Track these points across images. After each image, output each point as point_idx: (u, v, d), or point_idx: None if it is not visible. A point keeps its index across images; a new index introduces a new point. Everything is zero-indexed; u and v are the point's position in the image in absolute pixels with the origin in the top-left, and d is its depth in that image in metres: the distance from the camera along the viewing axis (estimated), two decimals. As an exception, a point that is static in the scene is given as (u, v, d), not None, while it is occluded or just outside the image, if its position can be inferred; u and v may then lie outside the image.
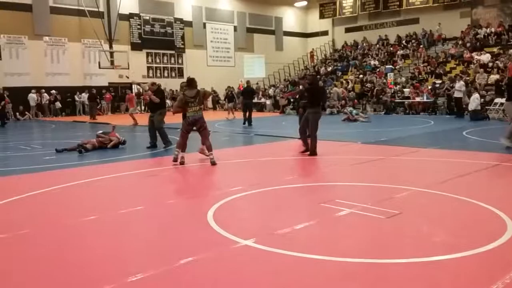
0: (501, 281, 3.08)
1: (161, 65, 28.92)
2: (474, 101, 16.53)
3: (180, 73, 29.44)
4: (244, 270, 3.54)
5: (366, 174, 7.27)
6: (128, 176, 7.52)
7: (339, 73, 28.29)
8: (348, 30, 32.89)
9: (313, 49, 33.36)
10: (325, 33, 34.16)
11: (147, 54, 28.25)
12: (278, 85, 29.65)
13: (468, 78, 20.26)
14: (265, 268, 3.53)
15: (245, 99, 17.36)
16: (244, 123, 16.84)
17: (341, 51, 32.07)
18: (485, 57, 22.17)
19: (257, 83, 29.74)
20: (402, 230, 4.38)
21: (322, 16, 33.24)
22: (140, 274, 3.35)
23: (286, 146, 10.94)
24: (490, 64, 21.37)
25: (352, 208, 5.01)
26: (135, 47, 27.55)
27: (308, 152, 8.99)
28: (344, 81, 25.56)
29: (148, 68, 28.34)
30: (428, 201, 5.42)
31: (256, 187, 6.34)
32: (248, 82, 18.85)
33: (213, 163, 8.05)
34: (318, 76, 27.81)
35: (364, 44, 30.93)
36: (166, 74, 29.01)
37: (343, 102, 22.67)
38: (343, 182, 6.65)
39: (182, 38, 29.45)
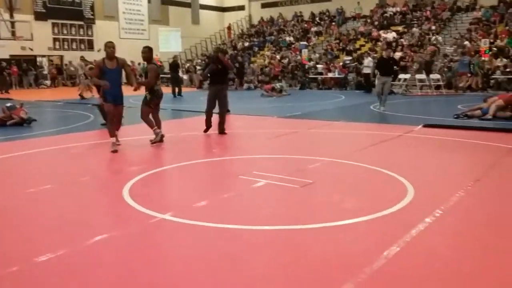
0: (402, 239, 3.38)
1: (69, 37, 27.10)
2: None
3: (90, 45, 27.83)
4: (162, 243, 3.53)
5: (281, 146, 7.49)
6: (39, 153, 7.07)
7: (256, 49, 28.49)
8: (264, 6, 33.04)
9: (230, 24, 33.16)
10: (241, 8, 34.03)
11: (53, 24, 26.30)
12: (195, 59, 29.22)
13: (376, 55, 21.39)
14: (182, 240, 3.55)
15: (173, 72, 17.92)
16: (174, 97, 17.66)
17: (258, 26, 32.23)
18: (391, 35, 23.49)
19: (173, 57, 29.04)
20: (314, 198, 4.61)
21: (238, -10, 33.00)
22: (50, 253, 3.21)
23: (202, 121, 10.88)
24: (395, 43, 22.69)
25: (268, 179, 5.15)
26: (39, 17, 25.49)
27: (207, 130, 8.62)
28: (261, 56, 25.81)
29: (55, 40, 26.45)
30: (338, 170, 5.74)
31: (174, 162, 6.29)
32: (175, 56, 20.03)
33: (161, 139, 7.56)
34: (235, 51, 27.80)
35: (280, 20, 31.33)
36: (74, 47, 27.28)
37: (261, 77, 22.94)
38: (260, 155, 6.80)
39: (92, 8, 27.76)
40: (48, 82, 25.70)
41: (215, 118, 8.53)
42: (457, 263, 3.06)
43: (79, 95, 17.10)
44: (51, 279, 2.92)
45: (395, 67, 12.86)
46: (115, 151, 6.83)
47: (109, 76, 6.76)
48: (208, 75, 8.59)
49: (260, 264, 3.08)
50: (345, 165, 5.91)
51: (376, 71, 12.69)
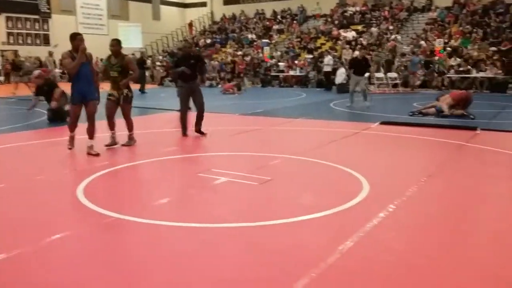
0: (356, 234, 3.46)
1: (24, 31, 26.16)
2: (340, 75, 17.82)
3: (46, 40, 26.95)
4: (116, 243, 3.47)
5: (242, 144, 7.50)
6: (-15, 152, 6.80)
7: (218, 46, 28.37)
8: (226, 3, 32.92)
9: (191, 20, 32.86)
10: (203, 4, 33.78)
11: (7, 18, 25.32)
12: (156, 56, 28.80)
13: (335, 53, 21.74)
14: (138, 239, 3.51)
15: (140, 69, 18.01)
16: (142, 93, 17.67)
17: (220, 23, 32.10)
18: (350, 34, 23.93)
19: (133, 54, 28.52)
20: (272, 195, 4.66)
21: (200, -14, 32.75)
22: (3, 254, 3.11)
23: (164, 118, 10.78)
24: (355, 42, 23.14)
25: (228, 176, 5.16)
26: (-9, 9, 24.53)
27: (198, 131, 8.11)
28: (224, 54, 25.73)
29: (8, 34, 25.47)
30: (297, 167, 5.82)
31: (132, 161, 6.20)
32: (142, 53, 20.56)
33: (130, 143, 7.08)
34: (197, 48, 27.57)
35: (242, 18, 31.32)
36: (29, 41, 26.35)
37: (222, 74, 22.88)
38: (221, 152, 6.79)
39: (48, 2, 26.88)
40: (1, 78, 24.72)
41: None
42: (409, 257, 3.16)
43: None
44: (2, 279, 2.82)
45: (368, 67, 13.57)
46: (94, 155, 6.29)
47: (82, 71, 6.28)
48: (177, 71, 7.91)
49: (217, 262, 3.08)
50: (304, 161, 5.99)
51: (350, 70, 13.19)
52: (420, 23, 23.81)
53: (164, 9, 33.35)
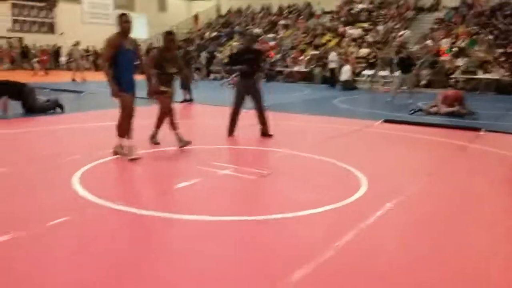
0: (352, 232, 3.42)
1: (29, 19, 26.14)
2: (345, 72, 17.74)
3: (51, 29, 26.95)
4: (113, 232, 3.45)
5: (244, 138, 7.45)
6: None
7: (223, 39, 28.28)
8: (233, -4, 32.81)
9: (197, 12, 32.76)
10: (210, -3, 33.71)
11: (13, 5, 25.29)
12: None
13: (341, 50, 21.63)
14: (129, 230, 3.48)
15: None
16: None
17: (226, 17, 31.98)
18: (357, 32, 23.79)
19: (139, 45, 28.46)
20: (269, 189, 4.63)
21: (207, -21, 32.64)
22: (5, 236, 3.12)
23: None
24: (360, 39, 23.01)
25: (227, 169, 5.13)
26: (-3, -4, 24.52)
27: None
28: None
29: (14, 21, 25.46)
30: (297, 162, 5.77)
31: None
32: (150, 44, 20.56)
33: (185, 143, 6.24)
34: (202, 41, 27.52)
35: (248, 12, 31.19)
36: (35, 29, 26.34)
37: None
38: (222, 145, 6.75)
39: (54, -10, 26.89)
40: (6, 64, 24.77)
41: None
42: (403, 257, 3.13)
43: (73, 79, 18.17)
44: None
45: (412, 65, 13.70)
46: (135, 159, 5.46)
47: (126, 58, 5.42)
48: (235, 67, 7.36)
49: (207, 255, 3.05)
50: (304, 157, 5.95)
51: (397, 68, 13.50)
52: (427, 23, 23.64)
53: (171, 0, 33.30)
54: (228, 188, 4.63)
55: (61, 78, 19.81)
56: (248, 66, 7.09)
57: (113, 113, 7.29)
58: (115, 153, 5.65)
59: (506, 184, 5.14)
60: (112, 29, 21.24)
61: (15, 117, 8.84)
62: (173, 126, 6.28)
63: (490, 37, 19.56)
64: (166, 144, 6.49)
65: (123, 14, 5.49)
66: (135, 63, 5.58)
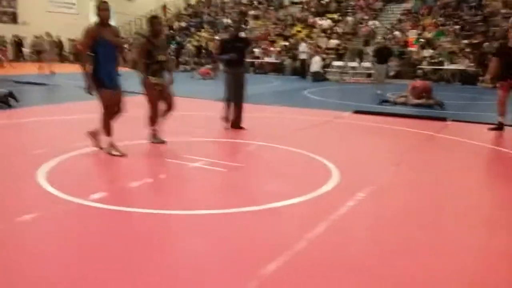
0: (324, 223, 3.43)
1: (-10, 8, 25.17)
2: (315, 63, 17.83)
3: (14, 18, 25.99)
4: (77, 230, 3.34)
5: (215, 130, 7.37)
6: None
7: (192, 30, 27.94)
8: (202, -14, 32.35)
9: (165, 2, 32.18)
10: (178, -14, 33.17)
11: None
12: (128, 38, 28.14)
13: (311, 41, 21.70)
14: (98, 226, 3.39)
15: None
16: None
17: (195, 7, 31.56)
18: (326, 23, 23.91)
19: (120, 35, 27.75)
20: (242, 181, 4.59)
21: (175, -32, 32.11)
22: None
23: (131, 101, 10.52)
24: (330, 30, 23.14)
25: (198, 162, 5.06)
26: (-45, -17, 23.45)
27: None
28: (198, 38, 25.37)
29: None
30: (267, 154, 5.75)
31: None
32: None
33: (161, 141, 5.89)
34: (171, 31, 27.10)
35: (218, 1, 30.86)
36: (-4, 19, 25.38)
37: (196, 59, 22.59)
38: (192, 138, 6.66)
39: (16, -23, 25.90)
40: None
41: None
42: (375, 247, 3.15)
43: (42, 70, 17.40)
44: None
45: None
46: (122, 155, 5.23)
47: (106, 50, 5.04)
48: (223, 58, 7.04)
49: (179, 249, 3.00)
50: (275, 148, 5.94)
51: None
52: (395, 14, 23.96)
53: (138, -11, 32.59)
54: (199, 182, 4.57)
55: (26, 70, 19.17)
56: (237, 55, 6.91)
57: (80, 106, 7.10)
58: (99, 147, 5.39)
59: (474, 172, 5.27)
60: (76, 18, 20.87)
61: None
62: (152, 121, 5.79)
63: (456, 27, 20.00)
64: (135, 138, 6.35)
65: (102, 2, 5.10)
66: (116, 54, 5.20)
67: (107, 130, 5.29)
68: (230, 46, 7.03)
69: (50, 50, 18.83)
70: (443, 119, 8.43)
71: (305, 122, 8.02)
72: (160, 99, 5.82)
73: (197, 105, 10.06)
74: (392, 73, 18.30)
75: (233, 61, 6.99)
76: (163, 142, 5.89)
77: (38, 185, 4.14)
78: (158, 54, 5.66)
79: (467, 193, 4.46)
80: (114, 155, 5.25)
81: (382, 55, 13.10)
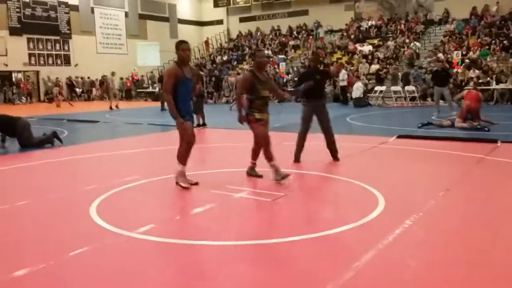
0: (372, 251, 3.36)
1: (45, 52, 26.81)
2: (357, 89, 17.73)
3: (67, 60, 27.59)
4: (127, 262, 3.44)
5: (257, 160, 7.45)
6: (12, 169, 6.91)
7: (235, 62, 28.61)
8: (242, 20, 33.29)
9: (208, 37, 33.27)
10: (220, 22, 34.24)
11: (28, 39, 26.00)
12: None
13: (352, 68, 21.67)
14: (148, 258, 3.48)
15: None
16: (162, 110, 17.58)
17: (236, 40, 32.41)
18: (367, 48, 23.87)
19: (151, 72, 28.97)
20: (285, 211, 4.59)
21: (216, 5, 33.26)
22: (27, 268, 3.15)
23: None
24: (371, 56, 23.05)
25: (241, 193, 5.12)
26: (14, 31, 25.23)
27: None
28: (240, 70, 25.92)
29: (30, 55, 26.14)
30: (311, 182, 5.75)
31: (147, 177, 6.20)
32: (161, 71, 21.09)
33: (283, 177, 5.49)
34: (214, 65, 27.85)
35: (258, 34, 31.57)
36: (50, 62, 26.99)
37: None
38: (235, 168, 6.75)
39: (68, 23, 27.56)
40: (23, 98, 25.36)
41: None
42: (424, 275, 3.05)
43: (110, 107, 19.28)
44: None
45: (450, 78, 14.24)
46: (194, 184, 5.44)
47: (186, 88, 5.26)
48: (299, 89, 6.74)
49: (228, 280, 3.03)
50: (318, 177, 5.92)
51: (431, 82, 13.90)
52: (438, 36, 23.62)
53: (182, 27, 33.90)
54: (244, 212, 4.61)
55: (84, 108, 20.38)
56: (317, 87, 6.67)
57: (128, 142, 7.37)
58: (176, 182, 5.46)
59: (528, 196, 5.02)
60: (125, 58, 21.98)
61: (13, 152, 8.90)
62: (268, 156, 5.60)
63: (505, 43, 19.42)
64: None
65: (181, 42, 5.30)
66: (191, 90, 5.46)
67: (184, 160, 5.45)
68: (309, 78, 6.72)
69: (114, 88, 20.87)
70: (494, 141, 8.12)
71: (349, 148, 7.94)
72: (267, 132, 5.70)
73: (235, 136, 10.20)
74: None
75: (312, 93, 6.72)
76: (260, 176, 5.79)
77: (91, 219, 4.31)
78: (261, 89, 5.54)
79: (523, 218, 4.25)
80: (182, 186, 5.35)
81: (440, 77, 13.03)
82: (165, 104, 5.57)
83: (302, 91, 6.63)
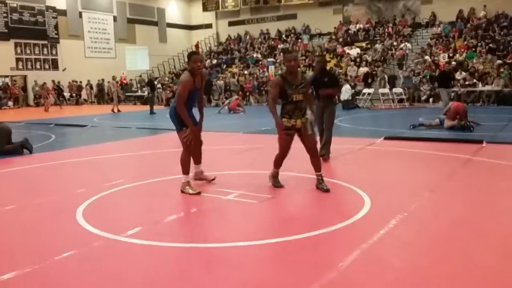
0: (356, 251, 3.40)
1: (32, 56, 26.61)
2: (345, 92, 17.83)
3: (55, 65, 27.41)
4: (114, 265, 3.44)
5: (245, 162, 7.49)
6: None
7: (224, 66, 28.64)
8: (231, 24, 33.34)
9: (198, 41, 33.27)
10: (209, 26, 34.26)
11: (16, 44, 25.80)
12: (162, 78, 29.10)
13: (340, 70, 21.80)
14: (135, 261, 3.48)
15: (151, 91, 19.39)
16: (152, 114, 17.84)
17: (225, 44, 32.45)
18: (355, 51, 24.04)
19: (140, 76, 28.88)
20: (271, 213, 4.62)
21: (205, 8, 33.27)
22: (13, 272, 3.15)
23: (167, 138, 10.82)
24: (359, 58, 23.22)
25: (228, 195, 5.13)
26: (1, 37, 25.03)
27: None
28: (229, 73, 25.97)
29: (17, 59, 25.94)
30: (297, 184, 5.76)
31: (136, 180, 6.19)
32: (150, 75, 21.43)
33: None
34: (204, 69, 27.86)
35: (247, 38, 31.65)
36: (38, 66, 26.80)
37: (227, 94, 23.03)
38: (223, 171, 6.76)
39: (56, 27, 27.39)
40: (11, 103, 25.14)
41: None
42: (409, 276, 3.09)
43: (112, 110, 19.68)
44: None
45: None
46: (198, 193, 5.28)
47: (193, 96, 5.41)
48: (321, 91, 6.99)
49: (214, 282, 3.04)
50: (305, 178, 5.94)
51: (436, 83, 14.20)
52: (425, 39, 23.86)
53: (171, 31, 33.87)
54: (230, 214, 4.63)
55: (73, 112, 20.31)
56: (325, 88, 7.03)
57: (117, 146, 7.35)
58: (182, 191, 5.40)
59: None
60: (113, 62, 21.94)
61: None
62: (277, 165, 5.48)
63: (491, 46, 19.68)
64: (166, 174, 6.51)
65: (193, 53, 5.37)
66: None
67: (187, 167, 5.46)
68: (321, 80, 7.07)
69: (115, 91, 21.26)
70: (479, 141, 8.23)
71: (336, 150, 7.98)
72: (290, 144, 5.49)
73: (224, 138, 10.22)
74: (424, 97, 18.11)
75: (324, 95, 7.09)
76: (282, 186, 5.51)
77: (78, 223, 4.30)
78: (294, 93, 5.21)
79: (507, 218, 4.31)
80: (189, 193, 5.29)
81: (445, 79, 13.27)
82: (154, 108, 5.59)
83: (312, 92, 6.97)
